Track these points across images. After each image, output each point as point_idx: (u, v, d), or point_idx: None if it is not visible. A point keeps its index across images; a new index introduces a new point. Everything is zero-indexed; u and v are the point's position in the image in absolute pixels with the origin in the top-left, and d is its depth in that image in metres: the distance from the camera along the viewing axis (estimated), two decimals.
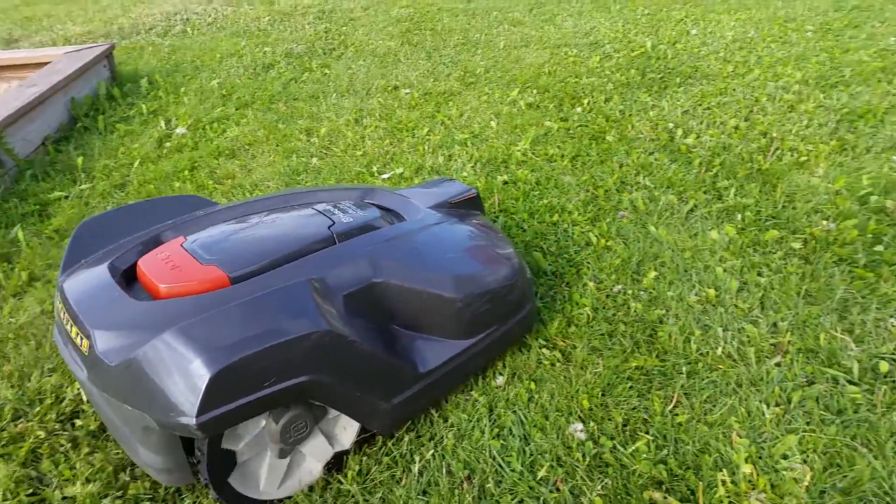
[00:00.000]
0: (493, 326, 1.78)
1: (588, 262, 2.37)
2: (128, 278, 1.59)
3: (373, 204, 1.91)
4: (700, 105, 3.54)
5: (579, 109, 3.63)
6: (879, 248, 2.26)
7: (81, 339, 1.42)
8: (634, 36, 4.82)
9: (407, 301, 1.62)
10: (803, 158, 2.89)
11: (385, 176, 3.12)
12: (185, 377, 1.27)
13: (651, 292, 2.19)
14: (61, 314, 1.53)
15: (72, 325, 1.46)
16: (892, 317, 1.99)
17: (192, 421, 1.26)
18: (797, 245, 2.32)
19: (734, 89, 3.70)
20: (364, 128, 3.69)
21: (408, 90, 4.19)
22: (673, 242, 2.41)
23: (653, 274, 2.25)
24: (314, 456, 1.61)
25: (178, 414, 1.27)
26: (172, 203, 2.01)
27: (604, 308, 2.14)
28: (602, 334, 2.03)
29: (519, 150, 3.21)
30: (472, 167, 3.11)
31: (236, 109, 4.10)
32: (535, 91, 3.96)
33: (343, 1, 6.75)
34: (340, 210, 1.78)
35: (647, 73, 4.08)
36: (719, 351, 1.93)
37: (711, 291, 2.14)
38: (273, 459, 1.55)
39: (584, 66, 4.28)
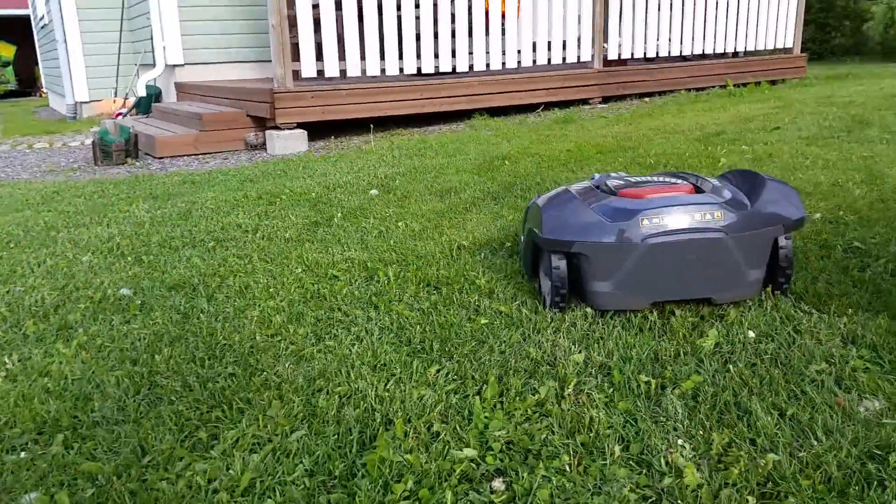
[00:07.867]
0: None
1: None
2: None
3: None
4: None
5: None
6: None
7: (709, 214, 2.41)
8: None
9: None
10: None
11: None
12: (791, 200, 2.48)
13: None
14: (662, 219, 2.41)
15: (692, 214, 2.41)
16: None
17: (803, 215, 2.45)
18: None
19: None
20: None
21: None
22: None
23: None
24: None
25: (793, 215, 2.43)
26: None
27: None
28: None
29: None
30: None
31: None
32: None
33: None
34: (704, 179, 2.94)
35: None
36: None
37: None
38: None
39: None
